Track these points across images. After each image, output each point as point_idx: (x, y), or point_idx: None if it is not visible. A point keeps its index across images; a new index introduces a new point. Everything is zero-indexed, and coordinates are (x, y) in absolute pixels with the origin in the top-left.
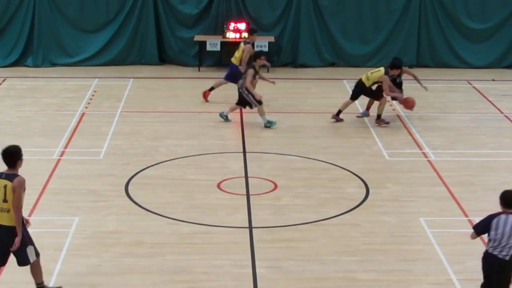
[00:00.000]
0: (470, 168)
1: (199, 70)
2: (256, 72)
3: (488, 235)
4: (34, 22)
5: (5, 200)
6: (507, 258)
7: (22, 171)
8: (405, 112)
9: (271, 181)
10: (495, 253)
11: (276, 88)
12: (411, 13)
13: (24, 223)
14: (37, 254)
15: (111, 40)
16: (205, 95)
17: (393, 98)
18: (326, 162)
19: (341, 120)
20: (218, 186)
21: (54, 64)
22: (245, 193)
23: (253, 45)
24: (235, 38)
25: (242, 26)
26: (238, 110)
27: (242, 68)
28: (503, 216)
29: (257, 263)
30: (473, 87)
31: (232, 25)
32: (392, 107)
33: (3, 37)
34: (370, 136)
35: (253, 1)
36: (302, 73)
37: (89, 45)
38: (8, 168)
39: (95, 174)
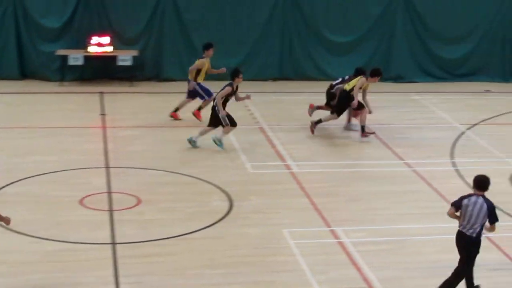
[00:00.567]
0: (333, 179)
1: (61, 85)
2: (233, 92)
3: (459, 214)
4: None
5: None
6: (474, 235)
7: None
8: (269, 125)
9: (134, 196)
10: (464, 231)
11: (140, 103)
12: (273, 27)
13: None
14: None
15: None
16: (174, 115)
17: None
18: (190, 176)
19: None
20: (81, 202)
21: None
22: (108, 208)
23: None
24: (98, 52)
25: (105, 40)
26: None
27: (190, 76)
28: (473, 198)
29: (120, 279)
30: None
31: (95, 39)
32: (254, 120)
33: None
34: (233, 149)
35: (116, 15)
36: (166, 87)
37: None
38: None
39: None
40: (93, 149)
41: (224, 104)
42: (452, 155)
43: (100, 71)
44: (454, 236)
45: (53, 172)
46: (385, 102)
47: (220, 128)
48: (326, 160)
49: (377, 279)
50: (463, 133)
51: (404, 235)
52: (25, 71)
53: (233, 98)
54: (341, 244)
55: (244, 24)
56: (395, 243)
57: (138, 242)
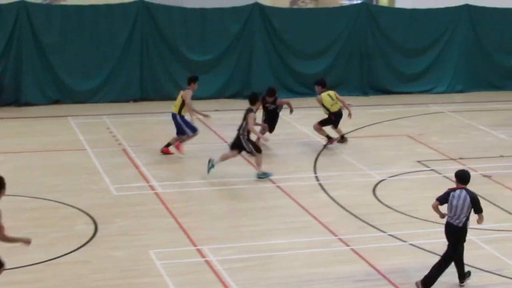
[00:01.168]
0: (197, 198)
1: None
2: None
3: (447, 207)
4: None
5: None
6: (460, 225)
7: None
8: (132, 146)
9: None
10: (451, 221)
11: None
12: (133, 47)
13: None
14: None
15: None
16: (165, 150)
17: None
18: (55, 201)
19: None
20: None
21: None
22: None
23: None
24: None
25: None
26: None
27: (191, 114)
28: (457, 191)
29: None
30: (197, 118)
31: None
32: (117, 142)
33: None
34: (96, 172)
35: None
36: (26, 111)
37: None
38: None
39: None
40: None
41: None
42: (315, 169)
43: None
44: (319, 250)
45: None
46: None
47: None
48: (190, 179)
49: None
50: (325, 147)
51: (271, 251)
52: None
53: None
54: (208, 262)
55: (103, 45)
56: (263, 259)
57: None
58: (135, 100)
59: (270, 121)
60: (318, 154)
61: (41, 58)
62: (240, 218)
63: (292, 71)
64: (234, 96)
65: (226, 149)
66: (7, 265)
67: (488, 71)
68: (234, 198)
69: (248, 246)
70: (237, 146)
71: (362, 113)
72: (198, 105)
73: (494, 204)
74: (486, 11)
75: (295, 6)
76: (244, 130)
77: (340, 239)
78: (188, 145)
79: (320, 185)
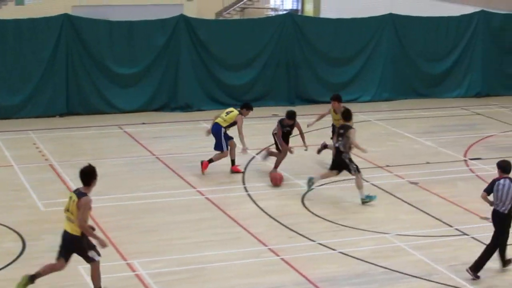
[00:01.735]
0: (126, 212)
1: None
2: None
3: (493, 196)
4: None
5: (67, 210)
6: (506, 212)
7: None
8: (59, 162)
9: None
10: (498, 209)
11: None
12: (58, 61)
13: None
14: (99, 255)
15: None
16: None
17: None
18: None
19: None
20: None
21: None
22: None
23: None
24: None
25: None
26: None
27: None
28: (501, 181)
29: None
30: (125, 131)
31: None
32: (44, 157)
33: None
34: (23, 188)
35: None
36: None
37: None
38: (83, 186)
39: None
40: None
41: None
42: (244, 181)
43: None
44: (250, 261)
45: None
46: (174, 132)
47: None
48: (119, 193)
49: None
50: (253, 158)
51: (203, 263)
52: None
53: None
54: (138, 276)
55: (28, 60)
56: (194, 271)
57: None
58: (62, 115)
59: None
60: (247, 165)
61: None
62: (170, 231)
63: (219, 83)
64: (161, 108)
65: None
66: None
67: (413, 79)
68: (164, 211)
69: (179, 259)
70: (338, 165)
71: None
72: (125, 118)
73: (422, 211)
74: (410, 20)
75: (221, 18)
76: (346, 147)
77: (271, 249)
78: (115, 159)
79: (249, 196)
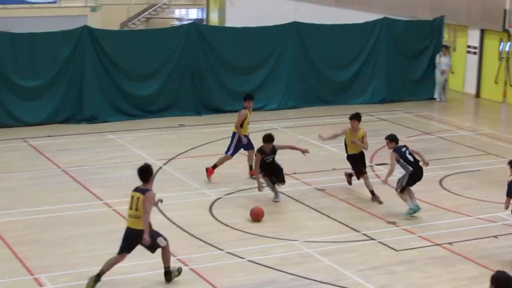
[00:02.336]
0: (33, 226)
1: None
2: None
3: None
4: None
5: (136, 209)
6: None
7: None
8: None
9: None
10: None
11: None
12: None
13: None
14: (166, 240)
15: None
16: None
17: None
18: None
19: None
20: None
21: None
22: None
23: None
24: None
25: None
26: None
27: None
28: None
29: None
30: (30, 144)
31: None
32: None
33: None
34: None
35: None
36: None
37: None
38: (142, 183)
39: None
40: None
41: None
42: None
43: None
44: (159, 271)
45: None
46: (80, 144)
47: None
48: (25, 207)
49: None
50: (160, 168)
51: (111, 275)
52: None
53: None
54: None
55: None
56: (102, 284)
57: None
58: None
59: (274, 174)
60: (154, 176)
61: None
62: (77, 244)
63: (125, 94)
64: (67, 121)
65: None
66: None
67: (319, 87)
68: (71, 224)
69: (87, 272)
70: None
71: (196, 133)
72: (30, 131)
73: (329, 217)
74: (314, 28)
75: (125, 28)
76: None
77: (180, 260)
78: (21, 173)
79: (157, 206)
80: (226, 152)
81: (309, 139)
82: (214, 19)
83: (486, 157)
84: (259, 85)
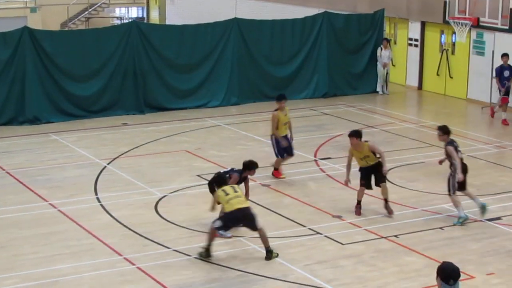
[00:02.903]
0: None
1: None
2: None
3: None
4: None
5: (236, 192)
6: None
7: None
8: None
9: None
10: None
11: None
12: None
13: None
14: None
15: None
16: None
17: None
18: None
19: None
20: None
21: None
22: None
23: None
24: None
25: None
26: None
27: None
28: None
29: None
30: None
31: None
32: None
33: None
34: None
35: None
36: None
37: None
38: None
39: None
40: None
41: None
42: (95, 191)
43: None
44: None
45: None
46: (23, 146)
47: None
48: None
49: None
50: (104, 168)
51: (56, 276)
52: None
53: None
54: None
55: None
56: (47, 285)
57: None
58: None
59: None
60: (98, 175)
61: None
62: (22, 246)
63: (67, 94)
64: (9, 122)
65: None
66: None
67: (261, 83)
68: (15, 226)
69: (32, 274)
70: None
71: (139, 132)
72: None
73: (275, 212)
74: (255, 24)
75: (66, 29)
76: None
77: (126, 259)
78: None
79: (102, 206)
80: (277, 156)
81: (252, 135)
82: (154, 17)
83: (430, 149)
84: (201, 82)
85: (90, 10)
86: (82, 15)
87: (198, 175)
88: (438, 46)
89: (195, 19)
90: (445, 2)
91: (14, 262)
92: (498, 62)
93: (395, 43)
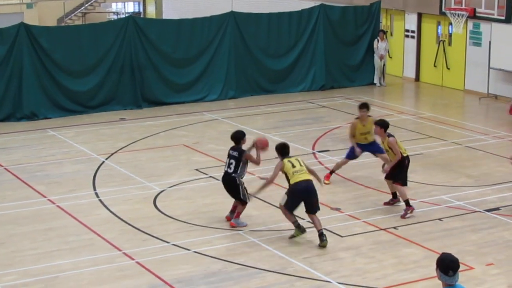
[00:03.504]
0: None
1: None
2: None
3: None
4: None
5: (302, 165)
6: None
7: None
8: None
9: None
10: None
11: None
12: None
13: None
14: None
15: None
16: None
17: None
18: None
19: None
20: None
21: None
22: None
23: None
24: None
25: None
26: None
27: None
28: None
29: None
30: None
31: None
32: None
33: None
34: None
35: None
36: None
37: None
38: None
39: None
40: None
41: None
42: (94, 186)
43: None
44: (104, 266)
45: None
46: (21, 142)
47: None
48: None
49: None
50: (102, 163)
51: (56, 272)
52: None
53: None
54: None
55: None
56: (47, 281)
57: None
58: None
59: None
60: (96, 170)
61: None
62: (21, 242)
63: (64, 90)
64: (7, 119)
65: None
66: None
67: (258, 76)
68: (14, 222)
69: (32, 270)
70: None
71: (137, 126)
72: None
73: (273, 205)
74: (251, 17)
75: (62, 24)
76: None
77: (125, 254)
78: None
79: (101, 201)
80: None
81: (250, 128)
82: (151, 12)
83: (428, 141)
84: (199, 76)
85: (86, 5)
86: (79, 10)
87: (197, 169)
88: (435, 38)
89: (192, 13)
90: None
91: (13, 258)
92: (495, 52)
93: (391, 34)
